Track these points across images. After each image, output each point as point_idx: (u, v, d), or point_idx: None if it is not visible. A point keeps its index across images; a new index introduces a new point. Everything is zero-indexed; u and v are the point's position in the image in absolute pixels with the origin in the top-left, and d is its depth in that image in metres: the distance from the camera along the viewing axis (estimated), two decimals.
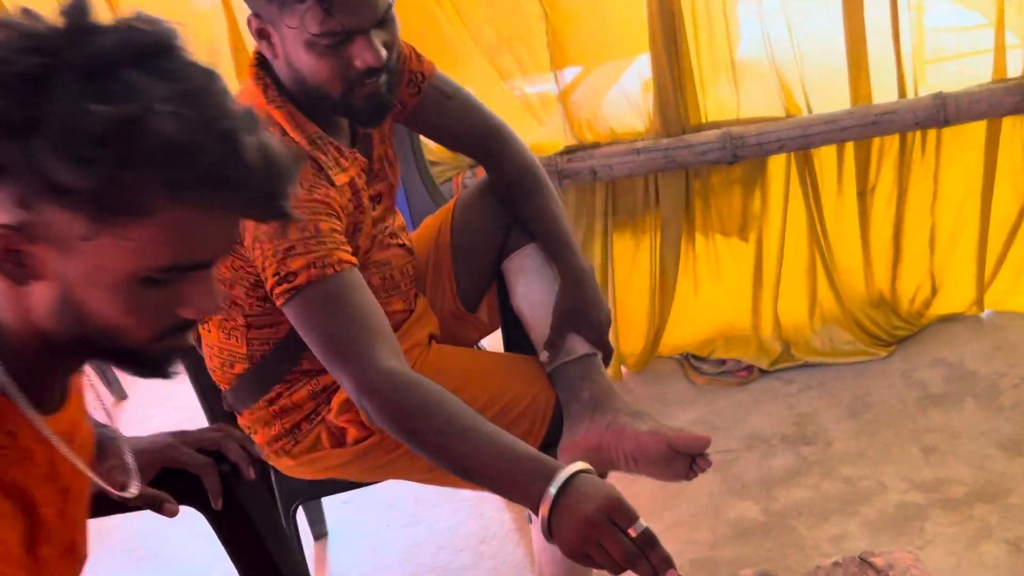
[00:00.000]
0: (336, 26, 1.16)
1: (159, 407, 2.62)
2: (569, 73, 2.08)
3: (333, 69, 1.20)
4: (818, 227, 2.18)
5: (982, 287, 2.28)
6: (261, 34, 1.22)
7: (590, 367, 1.36)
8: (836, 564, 1.10)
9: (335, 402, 1.35)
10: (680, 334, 2.35)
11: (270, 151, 0.71)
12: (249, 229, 1.20)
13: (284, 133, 1.24)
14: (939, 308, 2.31)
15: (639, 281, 2.26)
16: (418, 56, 1.42)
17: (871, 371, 2.20)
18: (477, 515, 1.97)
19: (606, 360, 1.41)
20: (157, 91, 0.66)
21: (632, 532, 0.96)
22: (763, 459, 2.00)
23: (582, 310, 1.39)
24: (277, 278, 1.18)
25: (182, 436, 1.08)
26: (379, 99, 1.25)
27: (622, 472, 1.30)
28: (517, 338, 1.50)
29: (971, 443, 1.94)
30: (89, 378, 0.97)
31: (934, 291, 2.30)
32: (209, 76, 0.71)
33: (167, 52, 0.69)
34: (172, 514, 1.03)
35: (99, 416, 1.12)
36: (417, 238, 1.57)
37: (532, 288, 1.44)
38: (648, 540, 0.96)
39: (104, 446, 1.05)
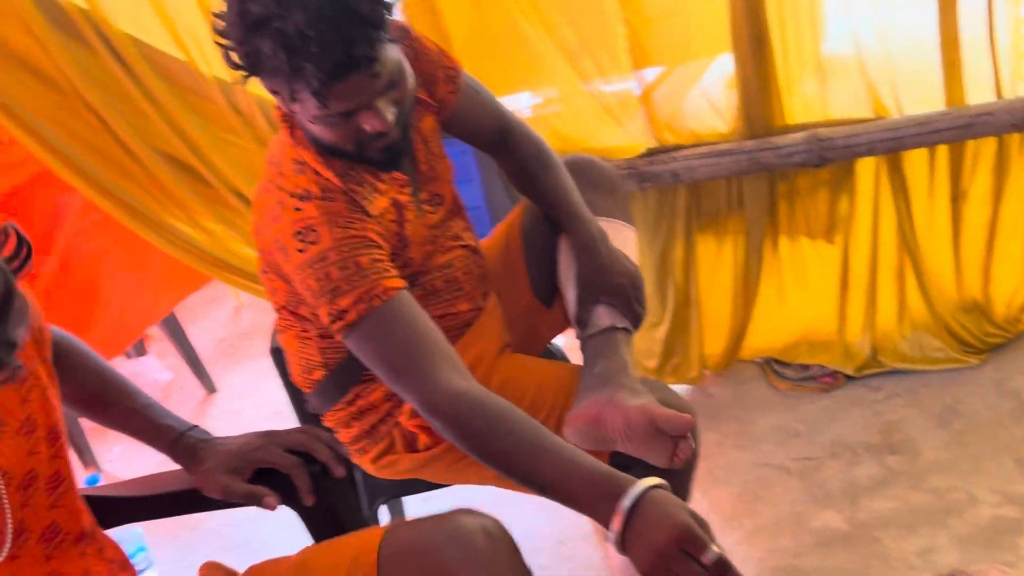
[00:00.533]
0: (335, 110, 1.16)
1: (248, 400, 2.71)
2: (650, 74, 2.07)
3: (343, 135, 1.21)
4: (908, 231, 2.11)
5: None
6: (273, 94, 1.22)
7: (607, 342, 1.35)
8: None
9: (407, 406, 1.38)
10: (763, 338, 2.31)
11: None
12: (296, 274, 1.23)
13: (317, 173, 1.25)
14: None
15: (722, 283, 2.23)
16: (446, 53, 1.42)
17: (962, 379, 2.13)
18: (557, 516, 1.97)
19: (636, 324, 1.39)
20: None
21: (706, 560, 0.94)
22: (848, 468, 1.96)
23: (598, 276, 1.38)
24: (331, 318, 1.21)
25: (271, 437, 1.12)
26: (393, 147, 1.25)
27: (622, 451, 1.26)
28: None
29: None
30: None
31: None
32: None
33: None
34: (273, 507, 1.08)
35: (185, 412, 1.18)
36: (491, 242, 1.59)
37: (563, 268, 1.46)
38: (722, 567, 0.94)
39: (198, 449, 1.10)
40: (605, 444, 1.26)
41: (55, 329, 1.14)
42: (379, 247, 1.25)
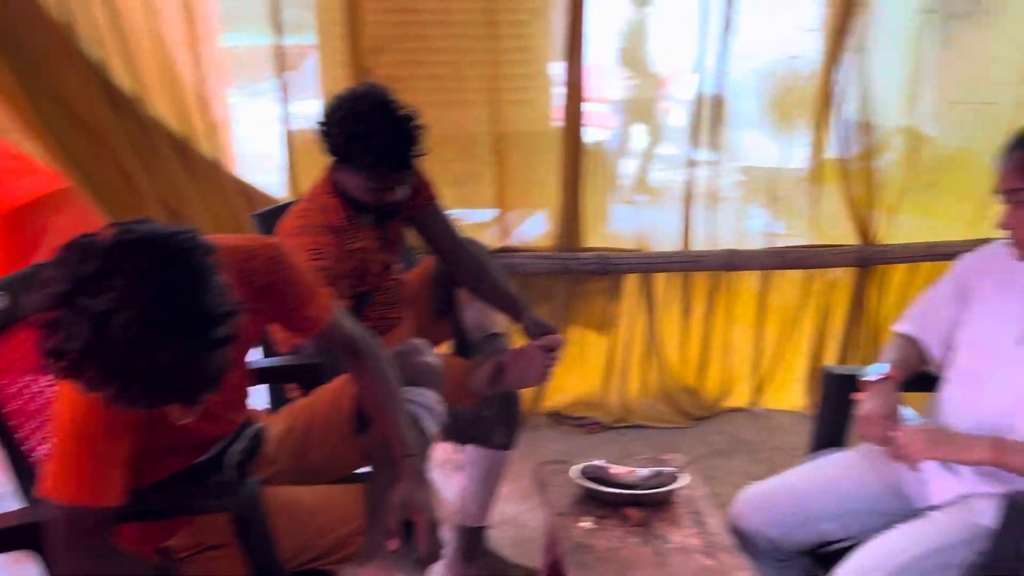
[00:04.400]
0: (382, 187, 2.04)
1: None
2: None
3: (374, 199, 2.09)
4: (653, 331, 3.24)
5: (758, 391, 3.38)
6: (337, 171, 2.09)
7: (497, 338, 2.31)
8: (643, 456, 2.07)
9: None
10: (553, 399, 3.32)
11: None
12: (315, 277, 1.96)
13: (333, 216, 2.08)
14: (729, 403, 3.40)
15: None
16: (432, 186, 2.34)
17: (679, 434, 3.23)
18: None
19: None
20: None
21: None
22: None
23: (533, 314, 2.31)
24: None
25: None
26: (395, 208, 2.15)
27: (508, 387, 2.18)
28: (462, 342, 2.48)
29: (738, 477, 2.93)
30: None
31: (726, 392, 3.39)
32: None
33: None
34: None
35: None
36: (409, 278, 2.50)
37: (469, 309, 2.40)
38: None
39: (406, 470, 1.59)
40: (499, 382, 2.15)
41: (371, 342, 1.69)
42: (348, 279, 2.09)
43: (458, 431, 2.26)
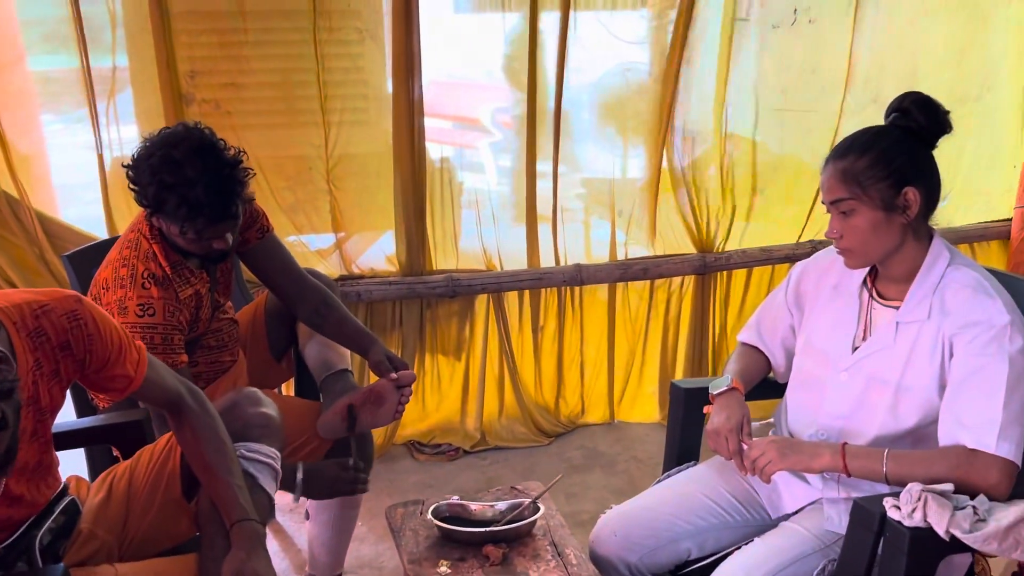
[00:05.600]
0: (205, 238, 1.86)
1: None
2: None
3: (199, 248, 1.91)
4: (507, 351, 3.19)
5: (613, 405, 3.39)
6: (155, 219, 1.89)
7: (342, 376, 2.18)
8: (498, 489, 2.00)
9: None
10: (409, 427, 3.21)
11: None
12: (128, 326, 1.80)
13: (159, 264, 1.91)
14: (586, 418, 3.39)
15: None
16: (266, 217, 2.18)
17: (538, 452, 3.19)
18: None
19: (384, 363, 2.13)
20: None
21: None
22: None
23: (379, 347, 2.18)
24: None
25: None
26: (223, 254, 1.98)
27: (362, 428, 2.04)
28: (305, 381, 2.34)
29: (598, 492, 2.94)
30: None
31: (583, 408, 3.38)
32: None
33: None
34: None
35: None
36: (241, 317, 2.34)
37: (310, 345, 2.26)
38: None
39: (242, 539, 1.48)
40: (350, 424, 2.01)
41: (196, 397, 1.57)
42: (183, 331, 1.93)
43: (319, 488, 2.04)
